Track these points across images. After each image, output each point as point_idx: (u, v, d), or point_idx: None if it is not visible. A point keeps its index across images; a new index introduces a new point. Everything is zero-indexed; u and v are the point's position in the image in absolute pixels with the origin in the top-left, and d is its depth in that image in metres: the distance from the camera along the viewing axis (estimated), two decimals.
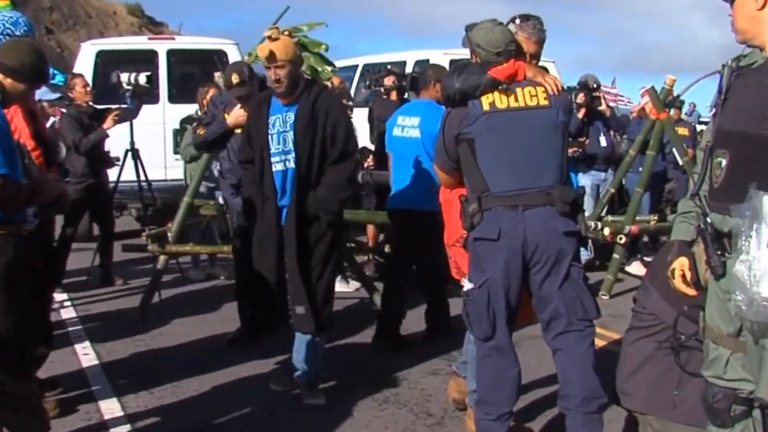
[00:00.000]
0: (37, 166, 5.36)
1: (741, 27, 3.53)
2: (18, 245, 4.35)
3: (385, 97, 10.90)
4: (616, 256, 9.47)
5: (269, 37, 5.71)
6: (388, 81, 10.84)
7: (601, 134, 11.24)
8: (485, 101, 4.67)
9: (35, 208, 4.79)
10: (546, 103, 4.73)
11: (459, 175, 4.92)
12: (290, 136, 5.79)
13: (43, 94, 8.71)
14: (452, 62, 13.74)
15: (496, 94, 4.67)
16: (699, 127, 16.47)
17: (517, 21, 4.98)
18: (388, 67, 11.69)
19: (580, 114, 10.93)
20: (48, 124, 8.45)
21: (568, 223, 4.67)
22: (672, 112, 11.30)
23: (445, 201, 5.26)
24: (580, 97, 10.87)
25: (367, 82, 11.58)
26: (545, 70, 5.05)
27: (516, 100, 4.69)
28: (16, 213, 4.41)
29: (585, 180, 11.10)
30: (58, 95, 9.01)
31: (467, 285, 4.80)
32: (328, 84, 10.03)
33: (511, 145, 4.66)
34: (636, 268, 10.48)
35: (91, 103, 9.59)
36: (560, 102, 4.81)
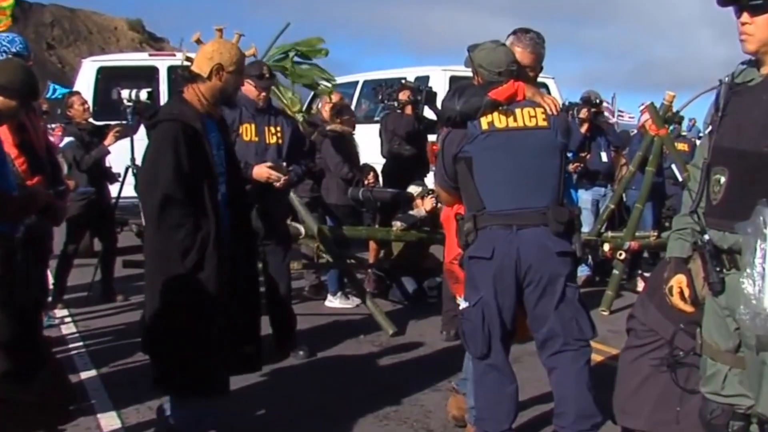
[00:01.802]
0: (20, 173, 5.46)
1: (765, 38, 3.49)
2: (5, 257, 4.36)
3: (399, 111, 10.91)
4: (616, 272, 9.48)
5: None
6: (403, 96, 10.84)
7: (602, 150, 11.26)
8: (484, 121, 4.70)
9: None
10: (545, 124, 4.76)
11: (458, 193, 4.95)
12: (222, 156, 5.16)
13: None
14: (452, 79, 13.83)
15: (495, 114, 4.70)
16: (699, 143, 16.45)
17: (517, 33, 5.03)
18: (402, 81, 11.69)
19: (583, 129, 10.94)
20: (61, 144, 8.49)
21: (562, 243, 4.69)
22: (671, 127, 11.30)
23: (446, 218, 5.30)
24: (583, 112, 10.88)
25: (380, 97, 11.55)
26: (545, 86, 5.09)
27: (515, 120, 4.72)
28: (7, 225, 4.43)
29: (586, 195, 11.11)
30: (43, 111, 9.06)
31: (463, 304, 4.83)
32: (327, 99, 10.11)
33: (508, 164, 4.69)
34: (636, 283, 10.49)
35: (90, 120, 9.61)
36: (559, 123, 4.83)
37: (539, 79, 5.20)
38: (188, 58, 5.02)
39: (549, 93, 5.79)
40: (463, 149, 4.75)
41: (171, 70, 13.54)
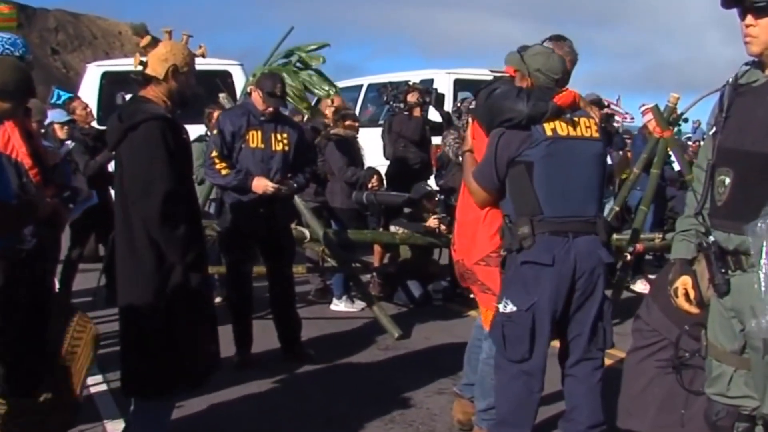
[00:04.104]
0: (35, 184, 5.37)
1: None
2: (8, 269, 4.31)
3: (406, 113, 10.88)
4: (620, 273, 9.46)
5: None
6: (412, 98, 10.81)
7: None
8: (547, 127, 4.70)
9: (32, 228, 4.80)
10: (597, 135, 4.84)
11: (498, 195, 4.91)
12: None
13: (54, 116, 8.76)
14: (456, 82, 13.83)
15: (557, 121, 4.72)
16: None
17: (554, 40, 5.07)
18: (410, 83, 11.67)
19: None
20: (64, 148, 8.47)
21: (608, 254, 4.79)
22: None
23: (473, 219, 5.18)
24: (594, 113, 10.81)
25: (385, 98, 11.51)
26: None
27: (575, 129, 4.75)
28: (10, 235, 4.39)
29: None
30: (69, 117, 9.04)
31: (509, 307, 4.77)
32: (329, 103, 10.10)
33: (567, 172, 4.71)
34: (640, 286, 10.48)
35: (94, 125, 9.61)
36: (604, 134, 4.92)
37: None
38: (141, 62, 4.98)
39: None
40: (523, 153, 4.71)
41: None
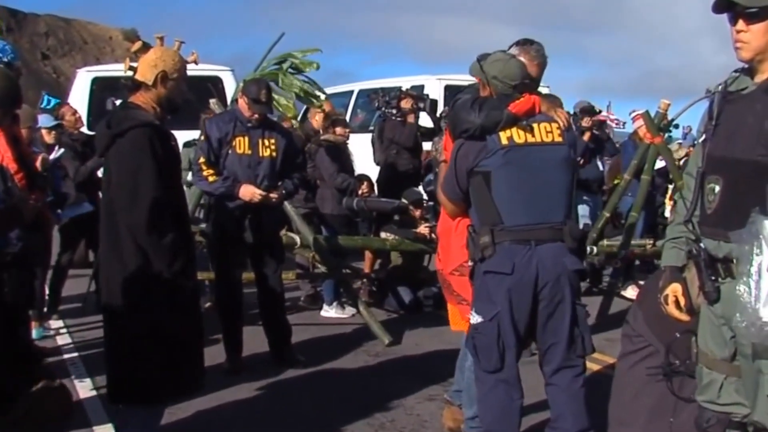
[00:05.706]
0: (20, 188, 5.36)
1: (760, 46, 3.50)
2: None
3: (400, 119, 10.84)
4: (610, 279, 9.47)
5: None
6: (406, 104, 10.78)
7: (598, 160, 11.25)
8: (503, 136, 4.66)
9: (18, 232, 4.78)
10: (560, 139, 4.76)
11: (466, 205, 4.92)
12: None
13: (42, 121, 8.75)
14: (446, 87, 13.84)
15: (514, 128, 4.67)
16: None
17: (522, 44, 5.02)
18: (403, 88, 11.64)
19: (585, 137, 10.87)
20: (54, 154, 8.43)
21: (577, 261, 4.73)
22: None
23: (447, 229, 5.22)
24: (585, 121, 10.85)
25: (376, 104, 11.47)
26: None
27: (533, 135, 4.70)
28: None
29: (583, 205, 11.07)
30: (56, 122, 9.02)
31: (475, 318, 4.78)
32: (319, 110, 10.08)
33: (526, 180, 4.67)
34: (631, 292, 10.49)
35: (83, 130, 9.58)
36: (571, 138, 4.86)
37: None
38: (131, 68, 4.94)
39: None
40: (480, 163, 4.69)
41: None
